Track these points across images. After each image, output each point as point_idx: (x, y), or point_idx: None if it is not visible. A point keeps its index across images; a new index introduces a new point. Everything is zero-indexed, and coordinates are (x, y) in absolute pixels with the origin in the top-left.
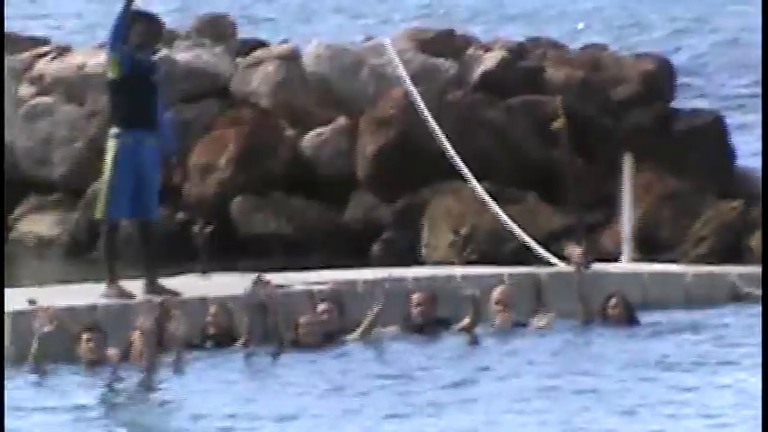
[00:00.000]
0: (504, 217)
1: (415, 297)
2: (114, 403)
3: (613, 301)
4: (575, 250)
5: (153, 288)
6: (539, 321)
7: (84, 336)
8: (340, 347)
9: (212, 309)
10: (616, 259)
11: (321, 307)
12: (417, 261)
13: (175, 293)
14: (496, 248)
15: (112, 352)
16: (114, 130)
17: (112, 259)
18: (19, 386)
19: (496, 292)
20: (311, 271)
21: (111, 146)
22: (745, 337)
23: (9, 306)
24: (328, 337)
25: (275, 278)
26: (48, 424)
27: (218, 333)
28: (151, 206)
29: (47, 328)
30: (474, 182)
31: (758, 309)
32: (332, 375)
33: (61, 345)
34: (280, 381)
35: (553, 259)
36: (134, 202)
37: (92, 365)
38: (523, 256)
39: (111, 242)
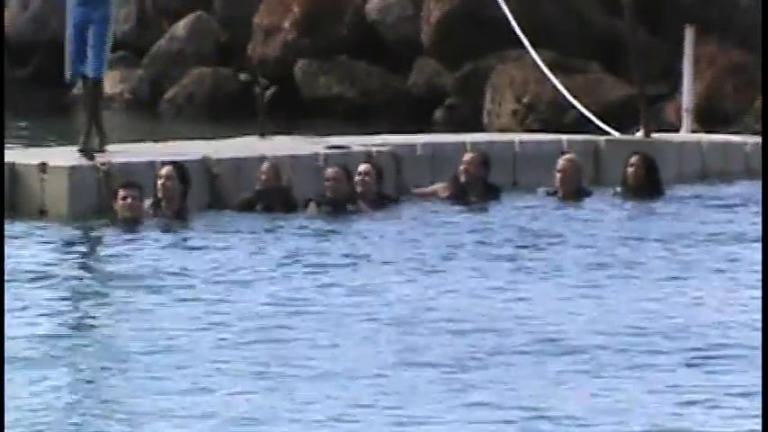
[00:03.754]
0: (561, 87)
1: (465, 157)
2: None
3: (634, 159)
4: None
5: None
6: None
7: (121, 192)
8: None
9: (264, 166)
10: (678, 131)
11: (361, 168)
12: (479, 127)
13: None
14: (559, 117)
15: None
16: None
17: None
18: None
19: (559, 163)
20: (373, 135)
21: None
22: None
23: (68, 161)
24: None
25: (335, 140)
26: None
27: (269, 189)
28: (91, 63)
29: None
30: (532, 50)
31: None
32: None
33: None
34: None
35: (611, 130)
36: (85, 57)
37: (128, 222)
38: (587, 125)
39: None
